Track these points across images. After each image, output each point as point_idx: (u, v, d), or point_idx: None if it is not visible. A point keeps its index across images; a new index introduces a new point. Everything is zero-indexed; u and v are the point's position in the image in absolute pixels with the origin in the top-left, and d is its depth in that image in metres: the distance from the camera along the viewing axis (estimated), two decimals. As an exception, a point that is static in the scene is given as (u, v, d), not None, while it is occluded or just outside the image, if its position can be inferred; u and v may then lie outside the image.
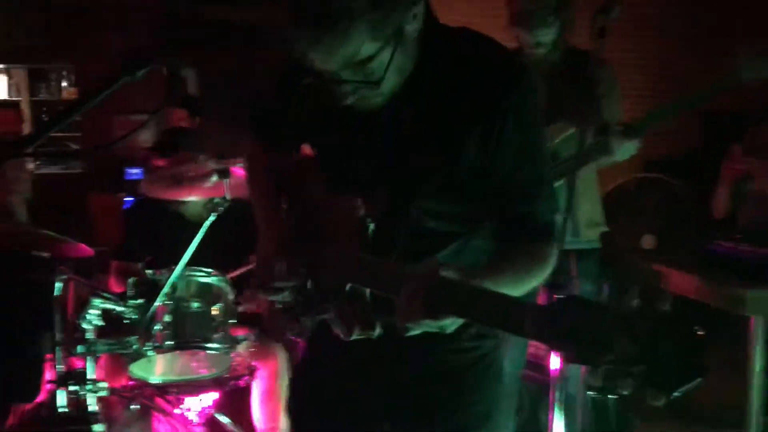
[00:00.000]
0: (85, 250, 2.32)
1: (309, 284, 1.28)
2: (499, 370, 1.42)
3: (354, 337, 1.16)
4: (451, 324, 1.03)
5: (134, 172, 5.87)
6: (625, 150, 2.34)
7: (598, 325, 0.77)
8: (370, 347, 1.22)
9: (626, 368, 0.74)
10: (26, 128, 7.77)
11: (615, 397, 2.85)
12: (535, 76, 1.25)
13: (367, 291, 1.16)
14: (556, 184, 2.36)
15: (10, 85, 7.74)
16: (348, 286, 1.17)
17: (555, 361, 2.22)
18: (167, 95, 4.12)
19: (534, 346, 2.63)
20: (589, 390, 2.59)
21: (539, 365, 2.67)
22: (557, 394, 2.17)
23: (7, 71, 7.65)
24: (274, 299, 1.34)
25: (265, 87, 1.60)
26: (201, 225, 2.29)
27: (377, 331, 1.15)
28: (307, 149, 1.43)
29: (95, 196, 5.94)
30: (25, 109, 7.74)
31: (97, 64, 6.26)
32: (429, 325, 1.03)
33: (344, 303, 1.18)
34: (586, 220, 2.55)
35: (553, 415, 2.17)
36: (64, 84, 7.78)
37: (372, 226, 1.20)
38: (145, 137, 6.27)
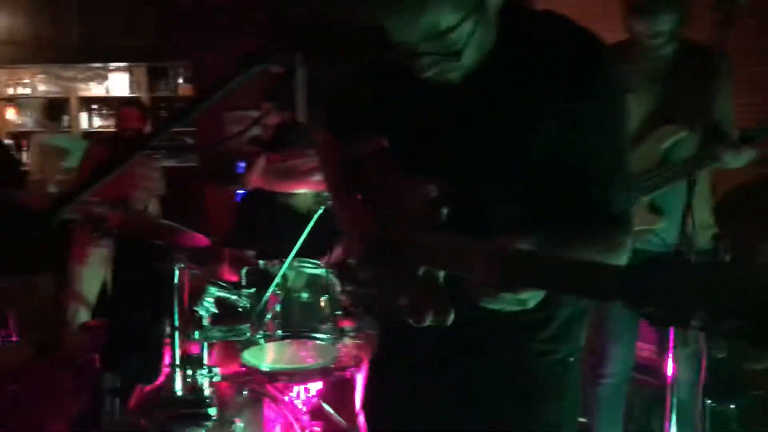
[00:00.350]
0: (202, 240, 2.41)
1: (383, 271, 1.28)
2: (575, 380, 1.36)
3: (427, 323, 1.15)
4: (530, 298, 1.01)
5: (245, 165, 6.07)
6: (738, 159, 2.20)
7: (683, 281, 0.72)
8: (442, 345, 1.20)
9: (718, 325, 0.68)
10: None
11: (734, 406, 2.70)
12: (615, 61, 1.20)
13: (441, 275, 1.15)
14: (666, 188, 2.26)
15: (131, 82, 8.19)
16: (421, 270, 1.16)
17: (669, 365, 2.13)
18: (266, 91, 4.26)
19: (647, 350, 2.53)
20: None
21: (652, 369, 2.57)
22: (672, 399, 2.08)
23: (128, 69, 8.10)
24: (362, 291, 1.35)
25: (336, 76, 1.61)
26: (309, 217, 2.34)
27: (451, 317, 1.14)
28: (378, 137, 1.42)
29: (209, 189, 6.19)
30: (145, 105, 8.18)
31: (212, 61, 6.53)
32: (507, 301, 1.00)
33: (418, 288, 1.17)
34: (696, 222, 2.42)
35: (668, 423, 2.09)
36: (180, 81, 8.16)
37: (445, 207, 1.18)
38: (253, 132, 6.48)
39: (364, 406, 1.54)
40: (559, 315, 1.30)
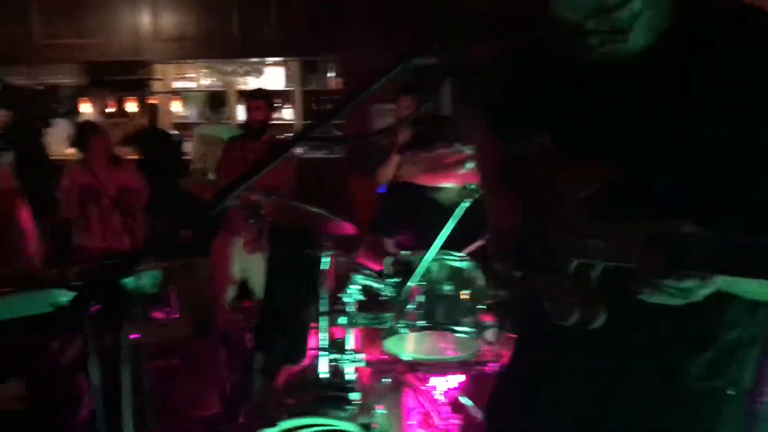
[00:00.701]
0: (350, 228, 2.48)
1: (532, 268, 1.24)
2: (735, 419, 1.23)
3: (571, 322, 1.10)
4: (695, 288, 0.94)
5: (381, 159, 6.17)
6: None
7: None
8: (584, 350, 1.15)
9: None
10: (288, 116, 8.51)
11: None
12: None
13: (595, 273, 1.10)
14: None
15: (286, 76, 8.55)
16: (572, 266, 1.11)
17: None
18: (400, 83, 4.28)
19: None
20: None
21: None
22: None
23: (285, 63, 8.46)
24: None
25: (501, 71, 1.57)
26: (453, 210, 2.34)
27: (600, 319, 1.08)
28: (543, 133, 1.37)
29: (355, 179, 6.34)
30: (298, 98, 8.50)
31: (360, 55, 6.67)
32: (671, 292, 0.94)
33: (566, 285, 1.12)
34: None
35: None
36: (331, 74, 8.41)
37: (609, 196, 1.12)
38: (388, 122, 6.56)
39: (492, 406, 1.50)
40: (723, 337, 1.19)
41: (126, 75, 7.94)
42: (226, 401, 3.09)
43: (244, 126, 5.09)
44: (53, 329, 2.45)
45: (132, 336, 1.61)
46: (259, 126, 4.75)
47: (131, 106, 7.96)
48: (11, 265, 2.68)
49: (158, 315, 2.80)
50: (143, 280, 2.26)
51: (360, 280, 2.35)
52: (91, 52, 7.30)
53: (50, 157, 7.37)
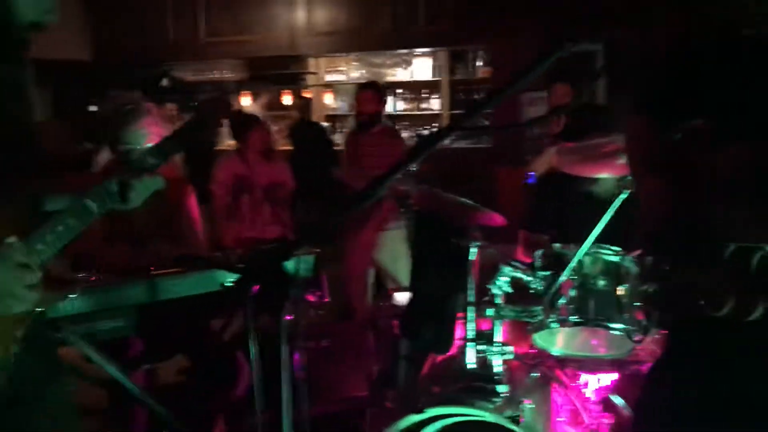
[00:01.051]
0: (499, 219, 2.45)
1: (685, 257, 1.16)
2: None
3: (725, 312, 1.02)
4: None
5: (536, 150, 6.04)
6: None
7: None
8: (739, 343, 1.05)
9: None
10: (436, 106, 8.52)
11: None
12: None
13: (754, 257, 1.00)
14: None
15: (433, 67, 8.59)
16: (729, 249, 1.02)
17: None
18: (555, 71, 4.14)
19: None
20: None
21: None
22: None
23: (432, 54, 8.50)
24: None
25: (662, 58, 1.48)
26: (610, 202, 2.25)
27: (759, 310, 0.99)
28: (701, 118, 1.29)
29: (503, 170, 6.27)
30: (445, 88, 8.51)
31: (510, 44, 6.56)
32: None
33: (721, 272, 1.04)
34: None
35: None
36: (479, 64, 8.35)
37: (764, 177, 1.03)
38: (537, 111, 6.39)
39: (643, 405, 1.44)
40: None
41: (282, 69, 8.31)
42: (373, 385, 3.16)
43: (354, 118, 5.16)
44: (217, 308, 2.62)
45: (287, 317, 1.69)
46: (368, 118, 4.80)
47: (287, 100, 8.32)
48: (181, 248, 2.88)
49: (311, 298, 2.91)
50: (300, 264, 2.34)
51: (509, 272, 2.32)
52: (250, 48, 7.71)
53: (215, 148, 7.87)
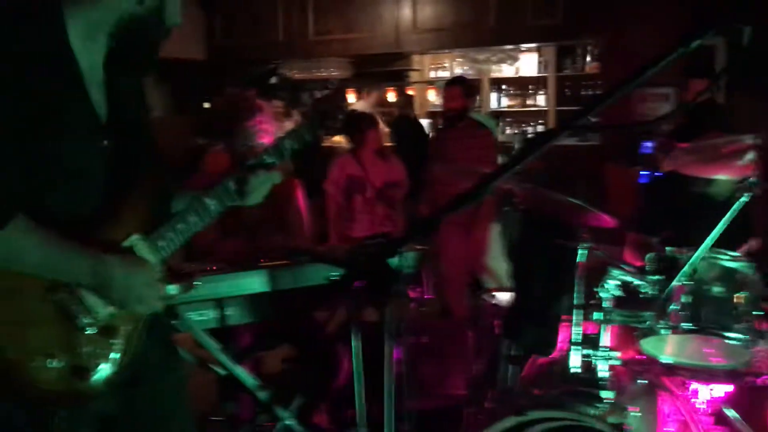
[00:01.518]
0: (608, 220, 2.38)
1: None
2: None
3: None
4: None
5: (650, 146, 5.80)
6: None
7: None
8: None
9: None
10: (542, 102, 8.34)
11: None
12: None
13: None
14: None
15: (539, 62, 8.42)
16: None
17: None
18: (689, 66, 3.95)
19: None
20: None
21: None
22: None
23: (538, 49, 8.33)
24: None
25: None
26: (728, 205, 2.14)
27: None
28: None
29: (611, 169, 6.07)
30: (552, 83, 8.33)
31: (621, 38, 6.34)
32: None
33: None
34: None
35: None
36: (588, 59, 8.11)
37: None
38: (664, 108, 6.14)
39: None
40: None
41: (386, 66, 8.38)
42: (473, 384, 3.15)
43: (442, 114, 5.10)
44: (322, 300, 2.68)
45: (390, 312, 1.72)
46: (455, 113, 4.73)
47: (390, 97, 8.39)
48: (289, 242, 2.97)
49: (412, 294, 2.93)
50: (403, 260, 2.37)
51: (618, 275, 2.25)
52: (356, 45, 7.82)
53: (321, 144, 8.04)
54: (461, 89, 4.84)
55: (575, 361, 2.29)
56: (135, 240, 1.58)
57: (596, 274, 2.30)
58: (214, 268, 2.56)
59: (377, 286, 1.46)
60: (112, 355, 1.57)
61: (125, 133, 1.61)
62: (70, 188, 1.50)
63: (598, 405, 2.18)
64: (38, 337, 1.47)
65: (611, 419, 2.08)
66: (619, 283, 2.26)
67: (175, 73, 8.01)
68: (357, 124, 4.81)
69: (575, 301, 2.28)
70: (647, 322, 2.24)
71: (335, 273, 2.53)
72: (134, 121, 1.67)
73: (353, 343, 2.15)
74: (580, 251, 2.27)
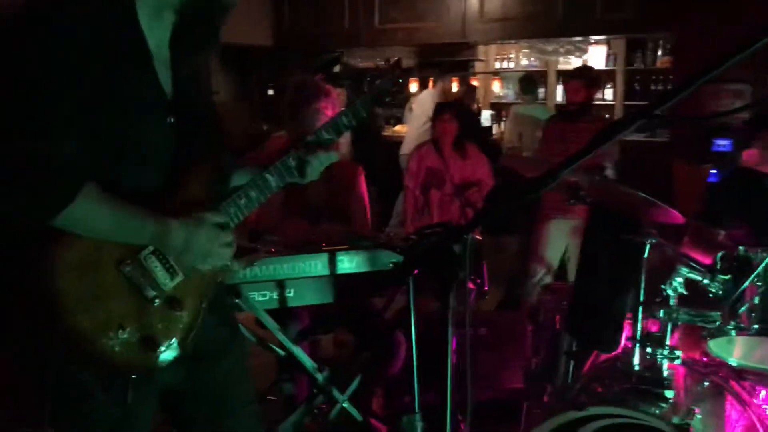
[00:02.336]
0: (677, 217, 2.31)
1: None
2: None
3: None
4: None
5: (723, 143, 5.60)
6: None
7: None
8: None
9: None
10: (609, 96, 8.16)
11: None
12: None
13: None
14: None
15: (608, 55, 8.23)
16: None
17: None
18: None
19: None
20: None
21: None
22: None
23: (607, 42, 8.14)
24: None
25: None
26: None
27: None
28: None
29: (679, 165, 5.90)
30: (620, 77, 8.14)
31: (695, 32, 6.13)
32: None
33: None
34: None
35: None
36: (659, 53, 7.89)
37: None
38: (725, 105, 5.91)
39: None
40: None
41: (451, 56, 8.32)
42: (531, 378, 3.12)
43: (562, 107, 4.96)
44: (381, 286, 2.69)
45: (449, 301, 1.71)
46: (578, 107, 4.59)
47: (454, 87, 8.34)
48: (350, 227, 2.99)
49: (471, 285, 2.92)
50: (463, 250, 2.34)
51: (685, 272, 2.18)
52: (421, 35, 7.78)
53: (382, 133, 8.07)
54: (584, 82, 4.59)
55: (638, 359, 2.23)
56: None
57: (663, 271, 2.24)
58: (278, 249, 2.60)
59: (437, 274, 1.45)
60: (179, 327, 1.62)
61: (189, 109, 1.65)
62: (137, 163, 1.54)
63: (660, 404, 2.13)
64: (110, 308, 1.52)
65: (675, 420, 2.03)
66: (686, 281, 2.19)
67: (242, 58, 8.16)
68: (439, 112, 4.72)
69: (640, 298, 2.22)
70: (715, 323, 2.17)
71: (395, 259, 2.54)
72: (198, 98, 1.71)
73: (411, 331, 2.15)
74: (647, 247, 2.21)
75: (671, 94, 1.14)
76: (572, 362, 2.70)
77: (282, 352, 2.83)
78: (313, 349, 3.20)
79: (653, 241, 2.22)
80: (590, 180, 2.34)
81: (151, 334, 1.57)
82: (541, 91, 8.56)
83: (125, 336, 1.53)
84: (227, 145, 1.81)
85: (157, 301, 1.57)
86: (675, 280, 2.18)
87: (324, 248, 2.62)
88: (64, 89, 1.40)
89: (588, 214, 2.45)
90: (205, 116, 1.73)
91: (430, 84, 7.92)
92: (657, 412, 2.07)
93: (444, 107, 4.95)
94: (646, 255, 2.23)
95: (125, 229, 1.52)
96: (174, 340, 1.61)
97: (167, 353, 1.60)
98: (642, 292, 2.23)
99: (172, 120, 1.60)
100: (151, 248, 1.57)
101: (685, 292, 2.19)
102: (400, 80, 1.96)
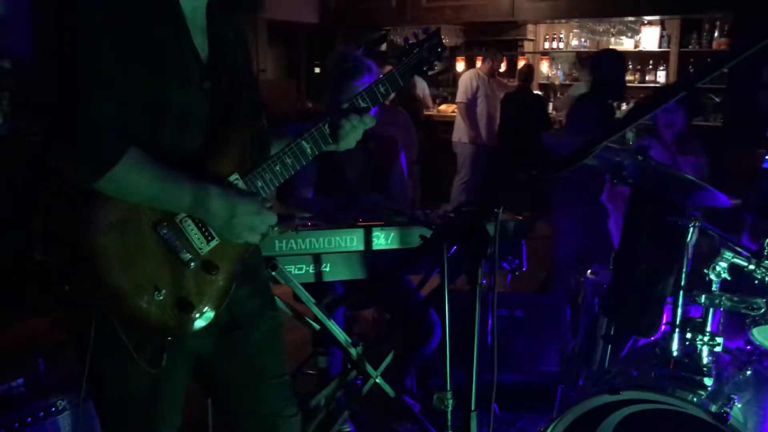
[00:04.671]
0: (723, 200, 2.24)
1: None
2: None
3: None
4: None
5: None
6: None
7: None
8: None
9: None
10: (662, 78, 7.94)
11: None
12: None
13: None
14: None
15: (662, 36, 8.00)
16: None
17: None
18: None
19: None
20: None
21: None
22: None
23: (661, 22, 7.90)
24: None
25: None
26: None
27: None
28: None
29: (733, 151, 5.72)
30: (674, 59, 7.90)
31: (754, 12, 5.90)
32: None
33: None
34: None
35: None
36: (715, 34, 7.63)
37: None
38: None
39: None
40: None
41: (500, 35, 8.19)
42: (567, 361, 3.08)
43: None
44: (417, 263, 2.68)
45: (482, 280, 1.69)
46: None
47: (503, 66, 8.21)
48: (387, 203, 2.97)
49: (508, 266, 2.88)
50: (500, 228, 2.31)
51: (729, 257, 2.11)
52: (469, 13, 7.68)
53: (423, 111, 8.00)
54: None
55: (677, 345, 2.18)
56: (234, 180, 1.62)
57: (706, 255, 2.17)
58: (315, 222, 2.60)
59: (471, 252, 1.43)
60: (214, 291, 1.63)
61: (226, 76, 1.65)
62: (174, 126, 1.55)
63: (699, 391, 2.08)
64: (147, 269, 1.54)
65: (713, 408, 1.97)
66: (730, 266, 2.12)
67: (288, 36, 8.18)
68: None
69: (682, 282, 2.16)
70: (761, 310, 2.10)
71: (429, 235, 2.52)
72: (234, 65, 1.71)
73: (445, 309, 2.13)
74: (690, 230, 2.15)
75: (713, 66, 1.09)
76: (609, 347, 2.65)
77: (317, 326, 2.84)
78: (350, 325, 3.21)
79: (697, 224, 2.16)
80: (633, 160, 2.28)
81: (186, 297, 1.59)
82: (591, 72, 8.35)
83: (161, 297, 1.55)
84: (266, 112, 1.81)
85: (192, 264, 1.59)
86: (718, 265, 2.11)
87: (360, 224, 2.61)
88: (105, 51, 1.43)
89: (630, 196, 2.38)
90: (244, 82, 1.73)
91: (477, 62, 7.81)
92: (694, 399, 2.02)
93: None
94: (689, 239, 2.16)
95: (166, 194, 1.54)
96: (209, 303, 1.62)
97: (202, 317, 1.61)
98: (684, 276, 2.17)
99: (208, 85, 1.61)
100: None
101: (728, 278, 2.12)
102: (439, 50, 1.93)
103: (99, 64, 1.43)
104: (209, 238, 1.61)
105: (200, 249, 1.60)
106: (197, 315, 1.61)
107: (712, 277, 2.13)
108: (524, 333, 3.38)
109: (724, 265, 2.11)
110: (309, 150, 1.73)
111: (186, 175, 1.55)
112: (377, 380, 2.74)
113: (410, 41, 1.95)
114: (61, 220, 1.52)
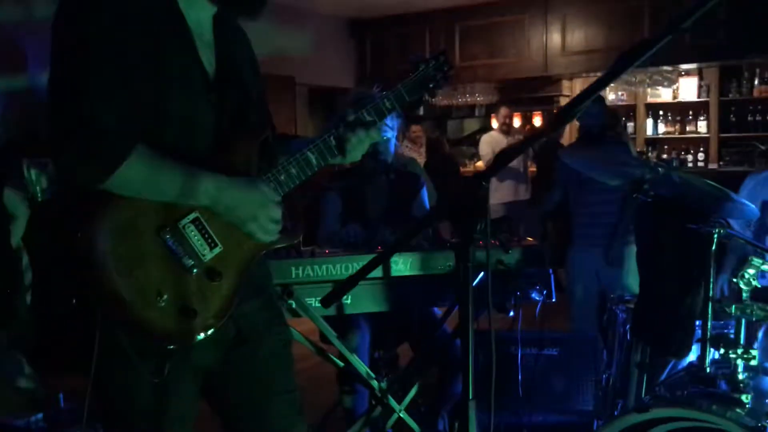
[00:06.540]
0: (752, 211, 2.15)
1: None
2: None
3: None
4: None
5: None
6: None
7: None
8: None
9: None
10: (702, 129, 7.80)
11: None
12: None
13: None
14: None
15: (700, 86, 7.89)
16: None
17: None
18: None
19: None
20: None
21: None
22: None
23: (698, 71, 7.81)
24: None
25: None
26: None
27: None
28: None
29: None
30: (714, 109, 7.77)
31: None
32: None
33: None
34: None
35: None
36: (755, 82, 7.51)
37: None
38: None
39: None
40: None
41: (534, 91, 8.23)
42: (602, 394, 2.93)
43: None
44: (440, 295, 2.62)
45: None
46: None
47: (537, 121, 8.23)
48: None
49: (538, 297, 2.80)
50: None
51: (758, 264, 2.00)
52: (503, 70, 7.76)
53: (458, 168, 8.01)
54: None
55: (710, 361, 2.05)
56: None
57: (734, 264, 2.07)
58: (328, 251, 2.58)
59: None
60: (217, 299, 1.61)
61: (233, 90, 1.68)
62: (178, 136, 1.57)
63: (737, 410, 1.94)
64: (149, 274, 1.53)
65: (749, 423, 1.83)
66: (760, 273, 2.01)
67: (328, 100, 8.39)
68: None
69: (710, 293, 2.05)
70: (796, 319, 1.97)
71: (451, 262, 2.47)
72: (242, 80, 1.73)
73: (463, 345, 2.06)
74: (714, 237, 2.05)
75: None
76: (645, 375, 2.52)
77: (341, 363, 2.78)
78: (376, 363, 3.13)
79: (721, 231, 2.06)
80: (654, 173, 2.21)
81: (189, 304, 1.57)
82: (630, 125, 8.29)
83: (163, 304, 1.53)
84: (272, 126, 1.82)
85: (195, 270, 1.57)
86: (747, 272, 2.00)
87: (378, 250, 2.58)
88: (114, 56, 1.47)
89: (651, 211, 2.30)
90: (252, 96, 1.75)
91: (492, 120, 7.84)
92: (729, 415, 1.88)
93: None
94: (714, 247, 2.07)
95: (180, 185, 1.54)
96: (212, 311, 1.60)
97: (206, 325, 1.59)
98: (711, 286, 2.06)
99: (214, 97, 1.63)
100: (191, 217, 1.58)
101: (758, 285, 2.01)
102: (445, 68, 1.93)
103: (107, 66, 1.46)
104: (212, 245, 1.60)
105: (203, 255, 1.59)
106: (200, 323, 1.59)
107: (742, 285, 2.02)
108: (558, 371, 3.25)
109: (752, 272, 2.00)
110: (314, 161, 1.73)
111: (196, 168, 1.56)
112: (401, 414, 2.65)
113: (420, 60, 1.95)
114: (67, 229, 1.53)
